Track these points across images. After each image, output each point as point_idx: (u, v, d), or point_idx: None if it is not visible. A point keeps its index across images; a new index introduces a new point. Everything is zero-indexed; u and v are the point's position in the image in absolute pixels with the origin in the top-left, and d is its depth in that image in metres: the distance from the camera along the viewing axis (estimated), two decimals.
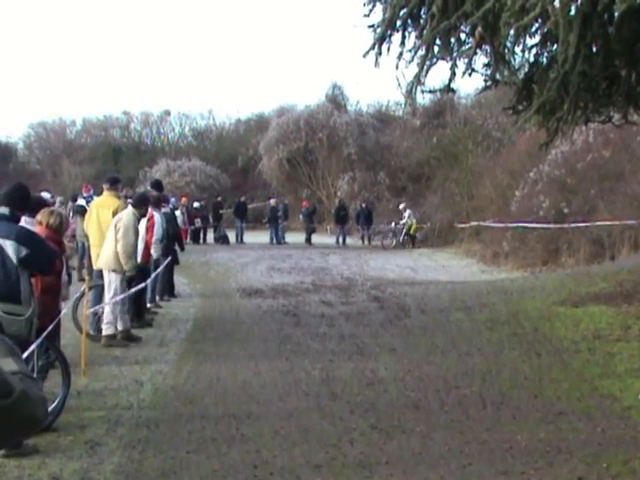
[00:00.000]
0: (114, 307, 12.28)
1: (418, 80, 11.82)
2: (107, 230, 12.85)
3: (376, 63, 12.08)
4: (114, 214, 13.03)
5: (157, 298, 16.48)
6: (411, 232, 36.38)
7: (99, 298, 12.76)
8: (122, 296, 12.28)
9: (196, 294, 18.78)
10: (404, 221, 36.41)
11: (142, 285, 13.16)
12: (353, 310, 15.45)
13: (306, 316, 14.85)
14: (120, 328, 12.36)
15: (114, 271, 12.38)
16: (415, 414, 8.35)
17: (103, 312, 12.43)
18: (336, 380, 9.88)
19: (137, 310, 13.74)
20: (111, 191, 13.78)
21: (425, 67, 11.92)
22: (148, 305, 15.20)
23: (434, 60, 11.98)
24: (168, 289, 17.47)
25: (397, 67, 12.20)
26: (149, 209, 14.39)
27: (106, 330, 12.30)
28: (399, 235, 36.57)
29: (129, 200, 14.98)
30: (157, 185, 17.90)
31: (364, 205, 40.42)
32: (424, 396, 9.04)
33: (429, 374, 10.10)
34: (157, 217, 15.14)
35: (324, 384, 9.72)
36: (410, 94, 12.11)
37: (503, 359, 10.78)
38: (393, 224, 37.07)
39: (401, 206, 37.59)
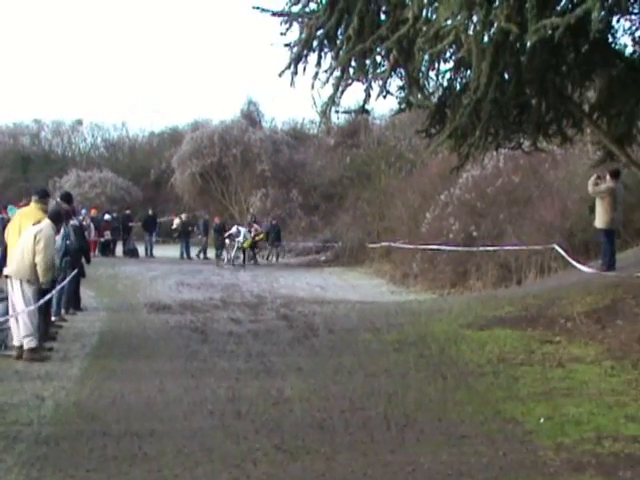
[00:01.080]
0: (31, 318, 11.99)
1: (333, 101, 11.92)
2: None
3: (292, 82, 12.15)
4: None
5: (62, 311, 16.21)
6: (245, 246, 36.06)
7: (5, 311, 12.44)
8: (34, 307, 11.95)
9: (103, 308, 18.54)
10: (239, 238, 35.50)
11: (47, 297, 12.90)
12: (261, 328, 15.39)
13: (214, 333, 14.75)
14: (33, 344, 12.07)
15: (28, 282, 12.05)
16: (320, 435, 8.34)
17: (11, 325, 12.12)
18: (242, 399, 9.81)
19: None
20: (39, 204, 13.43)
21: (340, 88, 12.02)
22: (53, 318, 14.90)
23: (349, 81, 12.10)
24: (74, 302, 17.19)
25: (313, 87, 12.30)
26: None
27: (28, 343, 11.92)
28: (231, 252, 36.05)
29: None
30: (67, 197, 17.59)
31: (274, 222, 40.24)
32: (329, 416, 9.03)
33: (335, 394, 10.10)
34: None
35: (229, 403, 9.65)
36: (325, 114, 12.17)
37: (409, 381, 10.83)
38: (227, 241, 36.48)
39: (234, 229, 36.24)
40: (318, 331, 15.03)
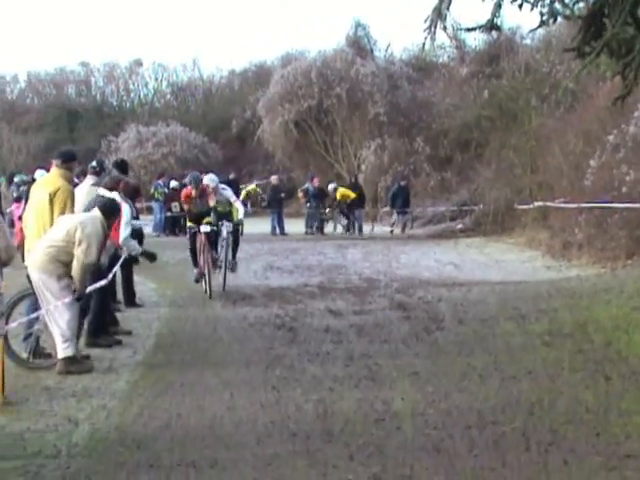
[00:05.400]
0: (66, 316, 11.90)
1: (439, 13, 11.68)
2: (42, 216, 12.60)
3: None
4: (51, 198, 12.75)
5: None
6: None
7: (34, 307, 12.44)
8: (69, 300, 11.86)
9: (165, 302, 18.74)
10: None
11: (101, 283, 12.77)
12: (369, 321, 15.38)
13: (306, 330, 14.79)
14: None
15: (55, 276, 11.92)
16: (434, 460, 8.20)
17: (43, 327, 12.19)
18: (335, 416, 9.76)
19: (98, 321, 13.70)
20: (62, 169, 13.42)
21: None
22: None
23: None
24: (126, 296, 17.36)
25: None
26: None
27: (64, 351, 11.89)
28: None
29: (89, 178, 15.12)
30: (121, 166, 17.72)
31: (402, 183, 39.73)
32: (449, 435, 8.90)
33: (459, 406, 9.96)
34: (125, 210, 14.75)
35: (318, 421, 9.61)
36: (429, 31, 11.93)
37: (560, 385, 10.64)
38: None
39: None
40: (443, 323, 14.93)
